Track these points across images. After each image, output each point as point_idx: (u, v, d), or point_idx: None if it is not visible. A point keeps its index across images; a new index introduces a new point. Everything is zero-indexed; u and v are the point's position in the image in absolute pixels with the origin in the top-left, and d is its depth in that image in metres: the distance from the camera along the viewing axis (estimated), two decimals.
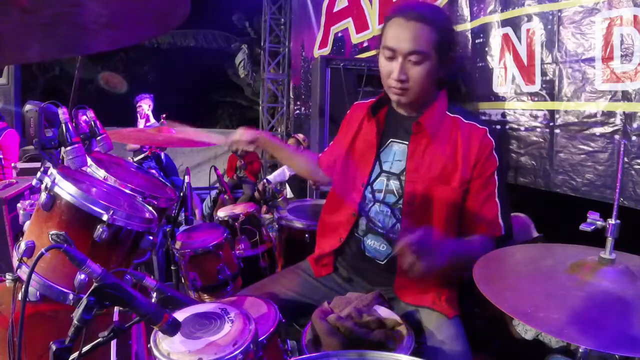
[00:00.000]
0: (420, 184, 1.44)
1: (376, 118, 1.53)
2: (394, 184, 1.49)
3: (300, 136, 6.01)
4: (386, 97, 1.55)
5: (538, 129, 2.74)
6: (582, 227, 0.99)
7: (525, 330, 1.95)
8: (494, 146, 1.43)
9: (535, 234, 2.45)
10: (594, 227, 0.98)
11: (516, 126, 2.89)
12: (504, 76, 2.91)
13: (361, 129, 1.60)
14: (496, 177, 1.43)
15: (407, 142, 1.49)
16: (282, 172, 5.75)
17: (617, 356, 1.26)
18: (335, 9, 5.52)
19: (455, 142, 1.44)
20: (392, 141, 1.53)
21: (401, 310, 1.48)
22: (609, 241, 0.97)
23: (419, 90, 1.42)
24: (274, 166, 8.39)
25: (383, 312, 1.33)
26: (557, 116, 2.58)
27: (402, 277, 1.48)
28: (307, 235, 2.24)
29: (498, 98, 2.98)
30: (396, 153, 1.51)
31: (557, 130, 2.59)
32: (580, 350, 1.10)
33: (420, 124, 1.44)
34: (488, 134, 1.44)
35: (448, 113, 1.49)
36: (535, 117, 2.75)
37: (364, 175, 1.53)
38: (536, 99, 2.71)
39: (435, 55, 1.38)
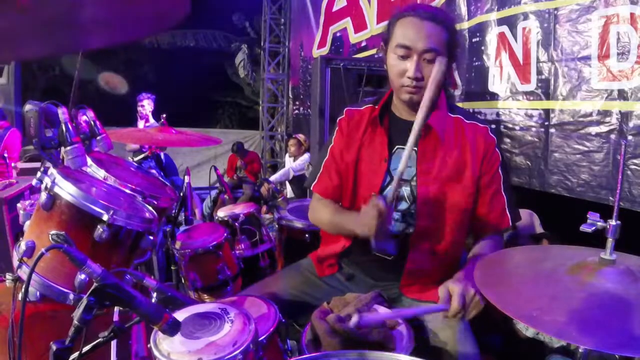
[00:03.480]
0: (433, 186, 1.45)
1: (384, 127, 1.52)
2: (405, 190, 1.49)
3: (301, 136, 5.99)
4: (387, 102, 1.54)
5: (533, 129, 2.73)
6: (583, 227, 0.99)
7: (526, 327, 1.96)
8: (495, 143, 1.49)
9: (540, 230, 2.44)
10: (594, 227, 0.98)
11: (511, 125, 2.88)
12: (499, 75, 2.91)
13: (365, 139, 1.56)
14: (500, 172, 1.48)
15: (414, 147, 1.47)
16: (287, 172, 5.75)
17: (617, 356, 1.26)
18: (334, 9, 5.52)
19: (462, 142, 1.47)
20: (398, 148, 1.51)
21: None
22: (610, 242, 0.97)
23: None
24: (274, 166, 8.40)
25: (383, 311, 1.33)
26: (552, 115, 2.58)
27: (409, 273, 1.49)
28: (307, 235, 2.25)
29: (493, 97, 2.97)
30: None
31: (552, 130, 2.58)
32: (580, 350, 1.10)
33: (429, 126, 1.44)
34: (489, 132, 1.50)
35: (449, 114, 1.50)
36: (531, 117, 2.74)
37: (374, 186, 1.50)
38: (531, 98, 2.71)
39: (447, 54, 1.39)
